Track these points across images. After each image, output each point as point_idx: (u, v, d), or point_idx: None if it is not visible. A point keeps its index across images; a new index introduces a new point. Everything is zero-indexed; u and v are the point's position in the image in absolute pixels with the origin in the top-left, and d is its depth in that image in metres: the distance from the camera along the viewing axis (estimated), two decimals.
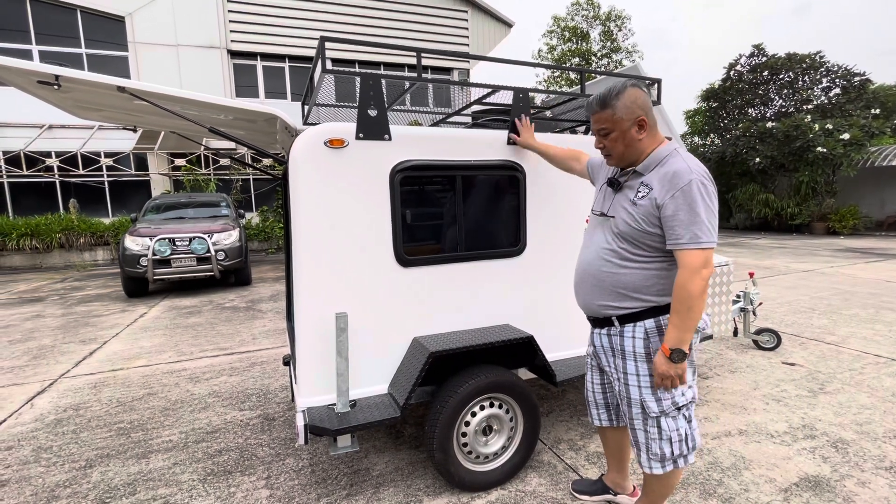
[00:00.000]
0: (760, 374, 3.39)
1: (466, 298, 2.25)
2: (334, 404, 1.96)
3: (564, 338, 2.51)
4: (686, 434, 1.57)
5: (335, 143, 1.94)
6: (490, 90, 2.43)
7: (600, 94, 1.52)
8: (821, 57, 16.42)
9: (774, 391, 3.10)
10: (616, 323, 1.60)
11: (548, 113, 3.28)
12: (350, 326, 1.99)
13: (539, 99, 3.31)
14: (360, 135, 1.98)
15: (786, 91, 17.02)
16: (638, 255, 1.52)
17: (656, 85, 2.78)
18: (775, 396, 3.02)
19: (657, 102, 2.78)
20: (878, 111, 15.72)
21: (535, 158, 2.36)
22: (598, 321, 1.68)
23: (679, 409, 1.55)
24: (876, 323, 4.59)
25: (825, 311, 5.13)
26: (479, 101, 2.75)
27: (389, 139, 2.04)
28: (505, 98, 2.52)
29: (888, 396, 2.96)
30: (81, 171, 11.99)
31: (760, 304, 3.93)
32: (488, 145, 2.26)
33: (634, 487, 2.03)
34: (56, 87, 1.86)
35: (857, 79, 16.12)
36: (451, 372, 2.09)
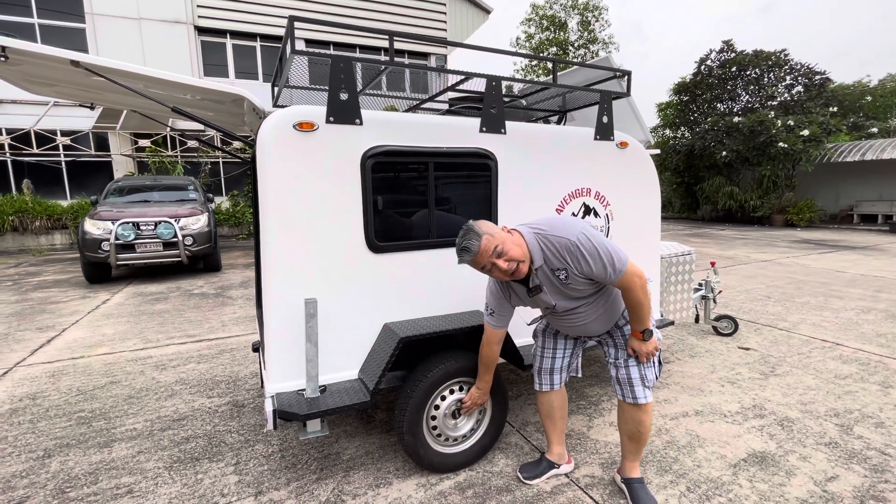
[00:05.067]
0: (718, 359, 3.57)
1: (437, 285, 2.27)
2: (304, 390, 1.95)
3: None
4: None
5: (304, 127, 1.91)
6: (463, 77, 2.43)
7: (465, 253, 1.69)
8: (785, 55, 17.01)
9: (730, 374, 3.27)
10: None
11: (522, 101, 3.30)
12: (320, 312, 1.98)
13: (516, 88, 3.32)
14: (331, 118, 1.95)
15: (752, 87, 17.59)
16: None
17: (627, 77, 2.84)
18: (730, 379, 3.19)
19: (627, 94, 2.84)
20: (835, 109, 16.47)
21: (508, 147, 2.38)
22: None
23: None
24: (824, 310, 4.88)
25: (780, 298, 5.42)
26: (452, 88, 2.74)
27: (360, 124, 2.02)
28: (479, 85, 2.52)
29: (831, 378, 3.18)
30: (35, 151, 11.32)
31: (720, 291, 4.11)
32: (461, 132, 2.27)
33: (568, 455, 2.20)
34: (3, 59, 1.74)
35: (817, 77, 16.80)
36: (422, 357, 2.12)
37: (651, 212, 2.98)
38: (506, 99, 3.23)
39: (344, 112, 1.98)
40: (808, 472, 2.14)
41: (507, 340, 2.15)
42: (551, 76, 2.67)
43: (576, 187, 2.64)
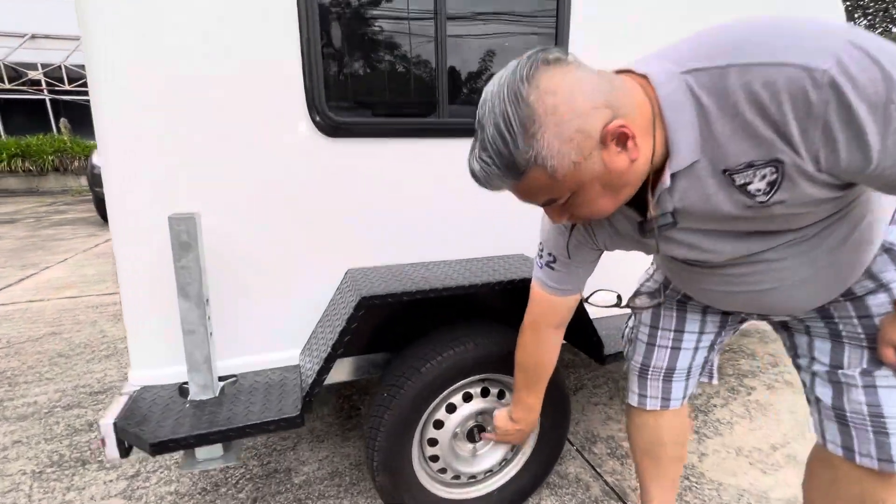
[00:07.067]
0: None
1: (448, 205, 1.27)
2: (187, 383, 1.07)
3: (616, 276, 1.50)
4: None
5: None
6: None
7: (495, 154, 0.57)
8: None
9: None
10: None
11: None
12: (226, 243, 1.05)
13: None
14: None
15: (874, 4, 14.26)
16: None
17: None
18: None
19: None
20: None
21: None
22: None
23: None
24: None
25: None
26: None
27: None
28: None
29: None
30: (68, 87, 11.06)
31: None
32: None
33: None
34: None
35: None
36: (417, 333, 1.17)
37: None
38: None
39: None
40: None
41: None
42: None
43: None
